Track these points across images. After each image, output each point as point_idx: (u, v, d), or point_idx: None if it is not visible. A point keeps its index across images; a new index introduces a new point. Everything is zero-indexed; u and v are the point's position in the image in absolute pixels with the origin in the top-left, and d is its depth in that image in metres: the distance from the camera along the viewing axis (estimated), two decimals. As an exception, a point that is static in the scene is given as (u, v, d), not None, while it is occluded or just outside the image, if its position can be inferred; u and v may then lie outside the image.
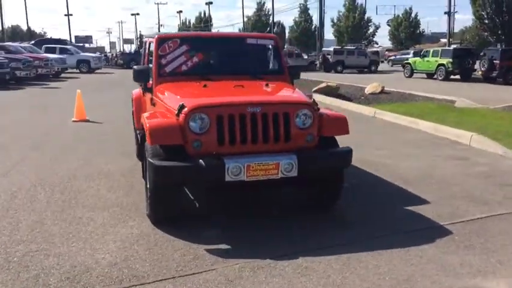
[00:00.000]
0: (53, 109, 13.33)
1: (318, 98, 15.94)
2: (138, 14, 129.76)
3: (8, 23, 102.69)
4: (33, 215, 4.78)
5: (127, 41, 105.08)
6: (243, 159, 4.12)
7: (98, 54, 38.52)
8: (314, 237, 4.24)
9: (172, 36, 5.52)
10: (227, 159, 4.08)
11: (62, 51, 33.05)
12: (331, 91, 17.51)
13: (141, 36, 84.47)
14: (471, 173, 6.39)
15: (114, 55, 47.38)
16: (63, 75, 28.83)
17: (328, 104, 15.29)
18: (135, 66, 5.45)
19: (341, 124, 4.62)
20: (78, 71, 33.21)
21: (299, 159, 4.20)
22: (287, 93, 4.93)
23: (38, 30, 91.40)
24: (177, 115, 4.24)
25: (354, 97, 16.37)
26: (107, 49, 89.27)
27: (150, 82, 5.32)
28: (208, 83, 4.96)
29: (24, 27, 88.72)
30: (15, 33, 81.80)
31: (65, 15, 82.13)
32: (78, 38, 76.38)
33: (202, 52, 5.54)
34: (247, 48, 5.69)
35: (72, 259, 3.78)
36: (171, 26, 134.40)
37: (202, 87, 4.86)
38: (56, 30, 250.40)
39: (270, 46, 5.72)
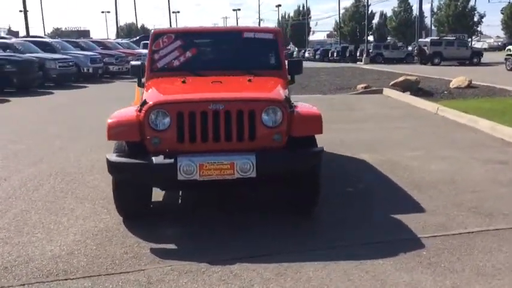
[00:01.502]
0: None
1: (390, 93, 15.24)
2: (239, 9, 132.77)
3: (126, 21, 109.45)
4: (25, 204, 5.04)
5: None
6: (196, 157, 4.00)
7: None
8: (273, 241, 4.02)
9: (167, 31, 5.53)
10: (180, 158, 3.98)
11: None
12: (410, 85, 16.53)
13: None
14: (504, 180, 5.69)
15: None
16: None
17: (393, 97, 14.52)
18: (132, 62, 5.52)
19: (312, 123, 4.31)
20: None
21: (258, 159, 3.99)
22: (259, 90, 4.70)
23: (150, 27, 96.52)
24: (140, 111, 4.23)
25: (436, 92, 15.38)
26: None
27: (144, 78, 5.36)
28: (189, 78, 4.89)
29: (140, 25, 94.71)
30: (130, 30, 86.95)
31: (173, 12, 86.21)
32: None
33: (196, 47, 5.47)
34: (244, 42, 5.51)
35: (23, 249, 3.93)
36: (271, 21, 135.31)
37: (180, 83, 4.79)
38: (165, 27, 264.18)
39: (269, 40, 5.50)
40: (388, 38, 65.76)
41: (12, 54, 18.24)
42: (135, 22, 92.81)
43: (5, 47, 19.69)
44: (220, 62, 5.44)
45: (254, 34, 5.51)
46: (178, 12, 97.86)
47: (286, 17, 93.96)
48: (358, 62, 42.29)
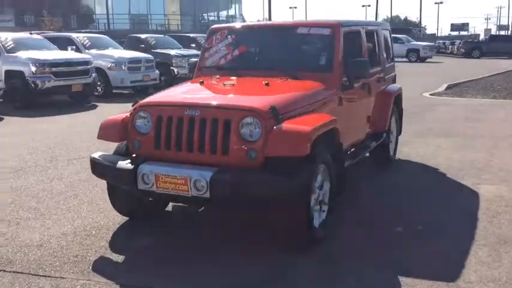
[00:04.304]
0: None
1: None
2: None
3: (387, 14, 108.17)
4: (40, 187, 5.38)
5: (502, 28, 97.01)
6: (156, 167, 3.67)
7: (426, 43, 36.64)
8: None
9: (222, 28, 5.16)
10: (143, 165, 3.71)
11: (394, 40, 33.27)
12: None
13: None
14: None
15: (459, 43, 44.49)
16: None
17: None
18: (191, 59, 5.38)
19: (293, 142, 3.49)
20: (407, 60, 32.94)
21: (212, 177, 3.45)
22: (251, 97, 4.00)
23: (414, 19, 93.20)
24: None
25: None
26: (482, 36, 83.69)
27: (196, 76, 5.17)
28: (211, 79, 4.52)
29: (402, 17, 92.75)
30: (392, 24, 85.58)
31: (435, 3, 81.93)
32: (454, 26, 74.89)
33: (246, 45, 4.99)
34: (296, 39, 4.81)
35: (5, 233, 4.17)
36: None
37: (198, 85, 4.45)
38: (428, 18, 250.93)
39: (324, 37, 4.66)
40: None
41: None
42: (399, 15, 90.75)
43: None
44: (266, 62, 4.87)
45: (309, 29, 4.75)
46: (441, 2, 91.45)
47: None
48: None
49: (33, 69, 11.67)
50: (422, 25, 72.58)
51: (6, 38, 12.72)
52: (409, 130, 8.30)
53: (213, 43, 5.07)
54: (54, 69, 11.90)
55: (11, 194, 5.20)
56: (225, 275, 3.43)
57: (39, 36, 14.13)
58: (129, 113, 4.01)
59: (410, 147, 7.18)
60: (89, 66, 12.70)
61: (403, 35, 34.88)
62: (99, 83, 13.59)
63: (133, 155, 3.88)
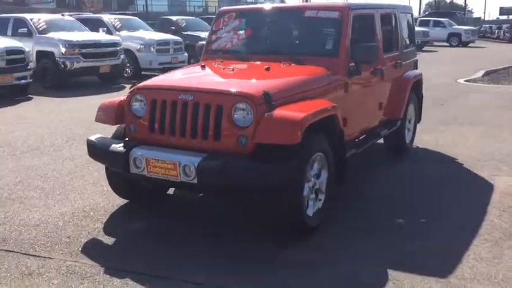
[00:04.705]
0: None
1: None
2: None
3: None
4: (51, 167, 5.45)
5: None
6: (148, 151, 3.64)
7: (469, 27, 35.27)
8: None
9: (231, 10, 5.05)
10: (135, 149, 3.69)
11: (435, 24, 32.30)
12: None
13: None
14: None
15: (506, 28, 42.60)
16: (425, 48, 28.29)
17: None
18: (199, 42, 5.30)
19: (283, 130, 3.38)
20: (448, 44, 31.91)
21: (200, 163, 3.39)
22: (247, 82, 3.89)
23: (460, 2, 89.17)
24: (129, 95, 4.06)
25: None
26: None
27: (202, 59, 5.10)
28: (213, 63, 4.44)
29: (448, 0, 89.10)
30: (438, 6, 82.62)
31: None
32: (503, 10, 71.92)
33: (252, 28, 4.88)
34: (303, 22, 4.66)
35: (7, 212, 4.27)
36: None
37: (200, 69, 4.39)
38: (476, 2, 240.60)
39: (332, 20, 4.50)
40: None
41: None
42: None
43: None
44: (273, 46, 4.74)
45: (317, 12, 4.59)
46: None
47: None
48: None
49: (63, 50, 11.88)
50: (469, 8, 70.00)
51: (39, 20, 12.97)
52: (433, 117, 8.04)
53: (221, 26, 4.98)
54: (83, 50, 12.07)
55: (21, 173, 5.31)
56: (212, 262, 3.39)
57: (71, 18, 14.33)
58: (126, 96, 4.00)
59: (431, 136, 6.93)
60: (117, 48, 12.82)
61: (445, 19, 33.72)
62: (128, 65, 13.72)
63: (127, 139, 3.86)
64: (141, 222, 4.07)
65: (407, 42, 6.14)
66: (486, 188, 4.86)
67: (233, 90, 3.59)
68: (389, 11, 5.54)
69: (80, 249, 3.58)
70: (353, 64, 4.42)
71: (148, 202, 4.42)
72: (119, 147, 3.75)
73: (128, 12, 27.28)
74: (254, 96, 3.47)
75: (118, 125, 4.22)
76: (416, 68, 6.46)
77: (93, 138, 4.04)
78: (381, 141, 5.73)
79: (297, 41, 4.67)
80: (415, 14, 43.35)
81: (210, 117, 3.54)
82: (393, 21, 5.59)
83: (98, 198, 4.57)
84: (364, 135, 5.07)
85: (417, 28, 28.97)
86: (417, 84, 6.09)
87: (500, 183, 4.98)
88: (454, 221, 4.11)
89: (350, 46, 4.41)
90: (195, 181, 3.42)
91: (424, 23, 31.95)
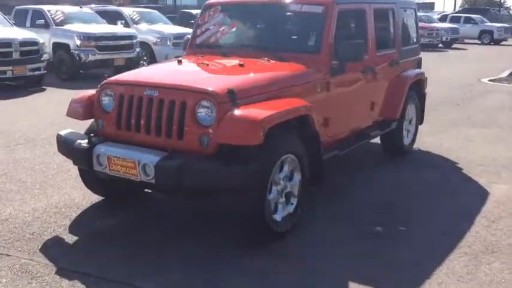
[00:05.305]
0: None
1: None
2: None
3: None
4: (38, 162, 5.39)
5: None
6: (110, 148, 3.55)
7: (502, 24, 34.00)
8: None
9: (216, 3, 4.88)
10: (98, 146, 3.60)
11: (466, 20, 31.35)
12: None
13: None
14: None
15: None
16: (454, 45, 27.52)
17: None
18: (186, 36, 5.18)
19: (243, 130, 3.22)
20: (479, 42, 30.92)
21: (157, 163, 3.27)
22: (208, 78, 3.76)
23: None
24: (100, 90, 3.97)
25: None
26: None
27: (186, 53, 4.98)
28: (192, 58, 4.33)
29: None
30: (475, 2, 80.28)
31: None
32: None
33: (236, 23, 4.73)
34: (287, 17, 4.48)
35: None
36: None
37: (174, 63, 4.27)
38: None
39: (316, 15, 4.29)
40: None
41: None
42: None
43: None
44: (255, 41, 4.58)
45: (301, 7, 4.40)
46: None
47: None
48: None
49: (78, 42, 11.94)
50: (507, 5, 67.76)
51: (57, 11, 13.08)
52: (445, 118, 7.74)
53: (206, 19, 4.84)
54: (98, 43, 12.10)
55: (9, 165, 5.30)
56: (172, 262, 3.27)
57: (89, 10, 14.42)
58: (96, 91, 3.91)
59: (436, 137, 6.65)
60: (133, 41, 12.81)
61: (478, 15, 32.68)
62: (144, 58, 13.71)
63: (92, 135, 3.77)
64: (111, 221, 3.98)
65: (408, 39, 5.87)
66: (480, 196, 4.60)
67: (197, 86, 3.45)
68: (386, 6, 5.29)
69: (39, 247, 3.51)
70: (337, 62, 4.22)
71: (124, 199, 4.33)
72: (83, 143, 3.66)
73: (151, 5, 27.39)
74: (217, 93, 3.33)
75: (92, 120, 4.15)
76: (420, 67, 6.18)
77: (62, 133, 3.97)
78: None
79: (280, 37, 4.49)
80: (450, 9, 42.15)
81: (174, 114, 3.42)
82: (390, 17, 5.34)
83: (74, 194, 4.50)
84: (354, 136, 4.87)
85: (446, 25, 28.32)
86: (418, 84, 5.82)
87: (496, 191, 4.71)
88: (437, 230, 3.89)
89: (334, 43, 4.21)
90: (153, 181, 3.30)
91: (454, 19, 31.05)
